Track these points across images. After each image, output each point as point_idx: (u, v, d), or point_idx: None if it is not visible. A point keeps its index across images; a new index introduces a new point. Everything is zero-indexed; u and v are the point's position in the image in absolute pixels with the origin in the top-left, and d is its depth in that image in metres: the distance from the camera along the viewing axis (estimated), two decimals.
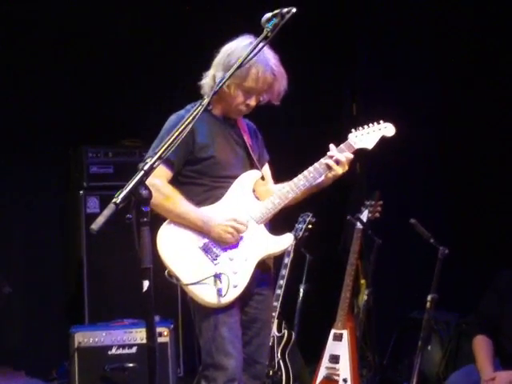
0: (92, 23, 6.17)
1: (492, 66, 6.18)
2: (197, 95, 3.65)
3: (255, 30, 3.14)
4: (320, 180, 3.74)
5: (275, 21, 2.97)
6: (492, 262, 5.40)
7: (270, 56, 3.63)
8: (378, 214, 5.31)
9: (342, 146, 3.76)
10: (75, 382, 5.04)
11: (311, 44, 6.47)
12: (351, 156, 3.75)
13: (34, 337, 6.16)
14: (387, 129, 3.85)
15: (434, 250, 4.78)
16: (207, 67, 3.71)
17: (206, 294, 3.54)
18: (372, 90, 6.63)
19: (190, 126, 2.84)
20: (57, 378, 5.83)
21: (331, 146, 3.76)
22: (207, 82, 3.68)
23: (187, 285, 3.54)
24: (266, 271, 3.78)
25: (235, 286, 3.57)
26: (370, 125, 3.85)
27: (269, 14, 3.00)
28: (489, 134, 6.20)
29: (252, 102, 3.70)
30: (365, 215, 5.30)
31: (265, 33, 2.99)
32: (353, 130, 3.82)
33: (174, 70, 6.35)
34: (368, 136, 3.82)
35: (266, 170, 3.96)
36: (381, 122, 3.86)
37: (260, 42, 3.03)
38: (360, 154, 3.84)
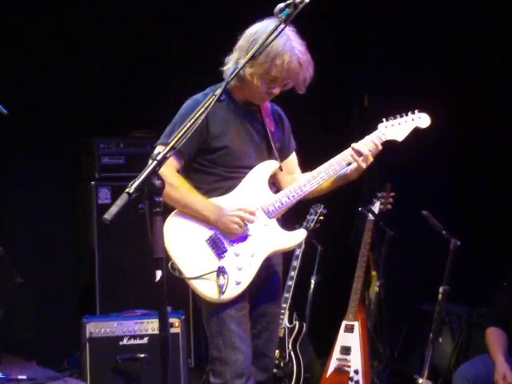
0: (103, 14, 6.17)
1: (509, 55, 6.14)
2: (207, 85, 3.60)
3: (269, 13, 3.11)
4: (345, 172, 3.64)
5: (288, 11, 2.95)
6: (504, 255, 5.40)
7: (296, 44, 3.49)
8: (389, 206, 5.30)
9: (369, 136, 3.63)
10: (86, 373, 5.05)
11: (321, 33, 6.45)
12: (380, 147, 3.60)
13: (46, 327, 6.18)
14: (421, 119, 3.66)
15: (445, 242, 4.76)
16: (217, 56, 3.65)
17: (207, 290, 3.48)
18: (384, 81, 6.61)
19: (203, 116, 2.82)
20: (68, 368, 5.84)
21: (366, 137, 3.62)
22: (230, 66, 3.54)
23: (189, 279, 3.48)
24: (273, 266, 3.73)
25: (238, 283, 3.50)
26: (403, 114, 3.66)
27: (282, 4, 2.98)
28: (504, 125, 6.17)
29: (276, 91, 3.58)
30: (376, 207, 5.30)
31: (278, 23, 2.97)
32: (383, 119, 3.65)
33: (185, 60, 6.35)
34: (399, 127, 3.64)
35: (293, 158, 3.85)
36: (415, 111, 3.67)
37: (273, 32, 3.01)
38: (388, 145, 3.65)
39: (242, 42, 3.53)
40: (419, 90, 6.17)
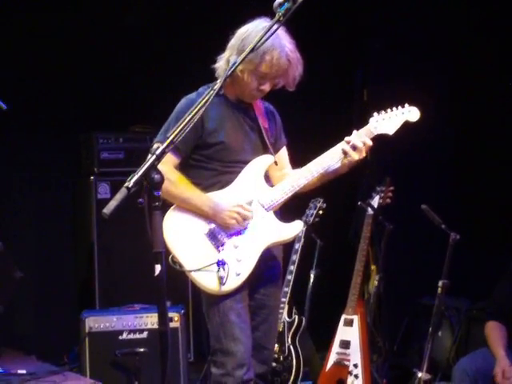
0: (102, 10, 6.16)
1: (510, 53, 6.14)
2: (206, 80, 3.61)
3: (268, 12, 3.10)
4: (336, 166, 3.65)
5: (287, 5, 2.94)
6: (503, 249, 5.40)
7: (285, 41, 3.54)
8: (389, 200, 5.30)
9: (360, 130, 3.65)
10: (86, 367, 5.05)
11: (322, 28, 6.45)
12: (370, 143, 3.61)
13: (45, 321, 6.19)
14: (411, 113, 3.68)
15: (445, 235, 4.77)
16: (217, 51, 3.67)
17: (208, 281, 3.53)
18: (383, 75, 6.60)
19: (202, 110, 2.82)
20: (68, 363, 5.84)
21: (354, 132, 3.65)
22: (221, 64, 3.61)
23: (190, 271, 3.53)
24: (273, 258, 3.76)
25: (238, 274, 3.55)
26: (394, 108, 3.69)
27: None
28: (502, 119, 6.17)
29: (266, 88, 3.62)
30: (376, 201, 5.30)
31: (277, 17, 2.96)
32: (375, 113, 3.68)
33: (184, 55, 6.34)
34: (390, 121, 3.67)
35: (283, 154, 3.89)
36: (405, 105, 3.70)
37: (272, 27, 3.00)
38: (378, 139, 3.67)
39: (234, 40, 3.59)
40: (419, 84, 6.16)
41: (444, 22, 6.41)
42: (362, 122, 3.76)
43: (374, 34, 6.78)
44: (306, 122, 6.37)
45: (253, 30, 3.51)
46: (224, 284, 3.50)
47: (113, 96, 6.29)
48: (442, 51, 6.48)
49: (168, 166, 3.48)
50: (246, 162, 3.67)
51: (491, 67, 6.21)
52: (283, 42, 3.54)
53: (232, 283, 3.53)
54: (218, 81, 3.04)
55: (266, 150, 3.72)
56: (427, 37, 6.48)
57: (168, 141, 2.74)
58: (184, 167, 3.65)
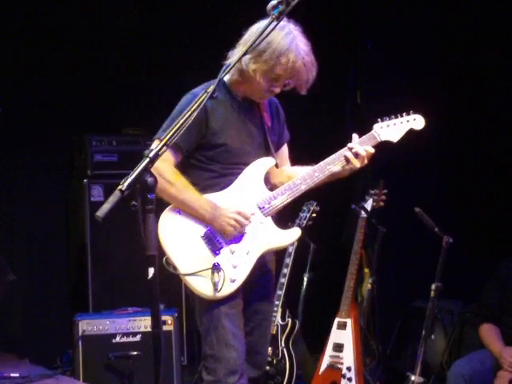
0: (94, 12, 6.16)
1: (500, 52, 6.14)
2: (200, 82, 3.58)
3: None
4: (336, 170, 3.60)
5: (281, 8, 2.94)
6: (495, 251, 5.41)
7: (301, 44, 3.49)
8: (382, 203, 5.31)
9: (364, 137, 3.61)
10: (79, 370, 5.05)
11: (314, 30, 6.43)
12: (372, 150, 3.58)
13: (38, 325, 6.17)
14: (416, 121, 3.66)
15: (438, 238, 4.77)
16: (210, 54, 3.64)
17: (202, 286, 3.48)
18: (376, 77, 6.60)
19: (195, 114, 2.81)
20: (61, 366, 5.83)
21: (354, 135, 3.61)
22: (234, 60, 3.48)
23: (184, 275, 3.47)
24: (266, 263, 3.73)
25: (233, 281, 3.50)
26: (398, 115, 3.65)
27: (274, 1, 2.97)
28: (494, 122, 6.18)
29: (277, 89, 3.58)
30: (369, 204, 5.31)
31: (270, 19, 2.97)
32: (379, 119, 3.63)
33: (177, 58, 6.34)
34: (394, 128, 3.63)
35: (284, 150, 3.85)
36: (410, 112, 3.66)
37: (264, 30, 3.00)
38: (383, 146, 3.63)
39: (247, 36, 3.52)
40: (412, 87, 6.17)
41: (437, 22, 6.42)
42: (354, 123, 3.75)
43: (366, 35, 6.78)
44: (298, 122, 6.35)
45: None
46: (218, 290, 3.45)
47: (106, 98, 6.28)
48: (434, 52, 6.49)
49: (167, 164, 3.44)
50: (247, 164, 3.61)
51: (485, 68, 6.22)
52: (299, 45, 3.49)
53: (226, 289, 3.48)
54: (212, 83, 3.01)
55: (268, 152, 3.68)
56: (420, 37, 6.49)
57: (162, 143, 2.73)
58: (184, 166, 3.58)
